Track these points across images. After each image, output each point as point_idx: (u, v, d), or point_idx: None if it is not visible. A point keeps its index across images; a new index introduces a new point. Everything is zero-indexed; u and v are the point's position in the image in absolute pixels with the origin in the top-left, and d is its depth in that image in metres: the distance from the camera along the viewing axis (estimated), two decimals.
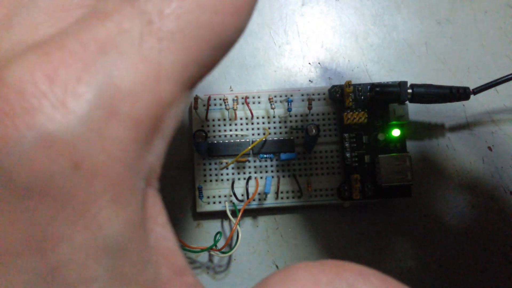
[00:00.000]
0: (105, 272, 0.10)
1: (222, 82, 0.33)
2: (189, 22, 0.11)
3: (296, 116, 0.32)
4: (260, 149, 0.31)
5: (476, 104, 0.33)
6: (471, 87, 0.30)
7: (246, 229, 0.32)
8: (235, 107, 0.31)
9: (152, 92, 0.11)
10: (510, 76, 0.30)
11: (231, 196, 0.31)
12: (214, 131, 0.31)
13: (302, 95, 0.32)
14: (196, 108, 0.31)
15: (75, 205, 0.10)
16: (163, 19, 0.11)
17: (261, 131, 0.32)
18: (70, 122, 0.10)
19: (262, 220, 0.32)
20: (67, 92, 0.10)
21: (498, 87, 0.32)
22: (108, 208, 0.10)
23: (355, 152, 0.31)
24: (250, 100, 0.32)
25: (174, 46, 0.11)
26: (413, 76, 0.33)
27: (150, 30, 0.11)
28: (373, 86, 0.31)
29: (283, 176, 0.31)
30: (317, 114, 0.32)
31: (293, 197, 0.31)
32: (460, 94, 0.30)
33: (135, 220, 0.11)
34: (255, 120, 0.32)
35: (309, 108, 0.31)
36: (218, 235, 0.30)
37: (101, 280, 0.10)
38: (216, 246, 0.29)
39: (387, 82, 0.31)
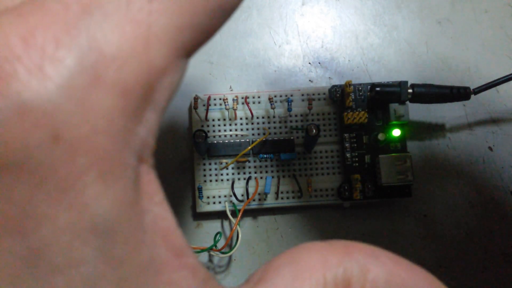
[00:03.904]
0: (94, 254, 0.10)
1: (222, 82, 0.33)
2: None
3: (296, 116, 0.32)
4: (260, 149, 0.31)
5: (476, 104, 0.33)
6: (472, 87, 0.30)
7: (246, 229, 0.32)
8: (235, 107, 0.31)
9: (141, 57, 0.10)
10: (510, 76, 0.30)
11: (231, 196, 0.31)
12: (214, 131, 0.31)
13: (302, 95, 0.32)
14: (196, 108, 0.31)
15: (56, 181, 0.09)
16: None
17: (261, 131, 0.32)
18: (47, 90, 0.09)
19: (262, 220, 0.32)
20: (45, 56, 0.09)
21: (499, 87, 0.32)
22: (94, 186, 0.09)
23: (356, 152, 0.31)
24: (250, 100, 0.32)
25: (166, 7, 0.10)
26: (413, 76, 0.33)
27: None
28: (374, 86, 0.31)
29: (283, 176, 0.31)
30: (317, 114, 0.32)
31: (293, 197, 0.31)
32: (460, 94, 0.30)
33: (126, 198, 0.10)
34: (255, 120, 0.32)
35: (309, 108, 0.31)
36: (218, 236, 0.29)
37: (90, 262, 0.09)
38: (216, 246, 0.29)
39: (388, 82, 0.31)
